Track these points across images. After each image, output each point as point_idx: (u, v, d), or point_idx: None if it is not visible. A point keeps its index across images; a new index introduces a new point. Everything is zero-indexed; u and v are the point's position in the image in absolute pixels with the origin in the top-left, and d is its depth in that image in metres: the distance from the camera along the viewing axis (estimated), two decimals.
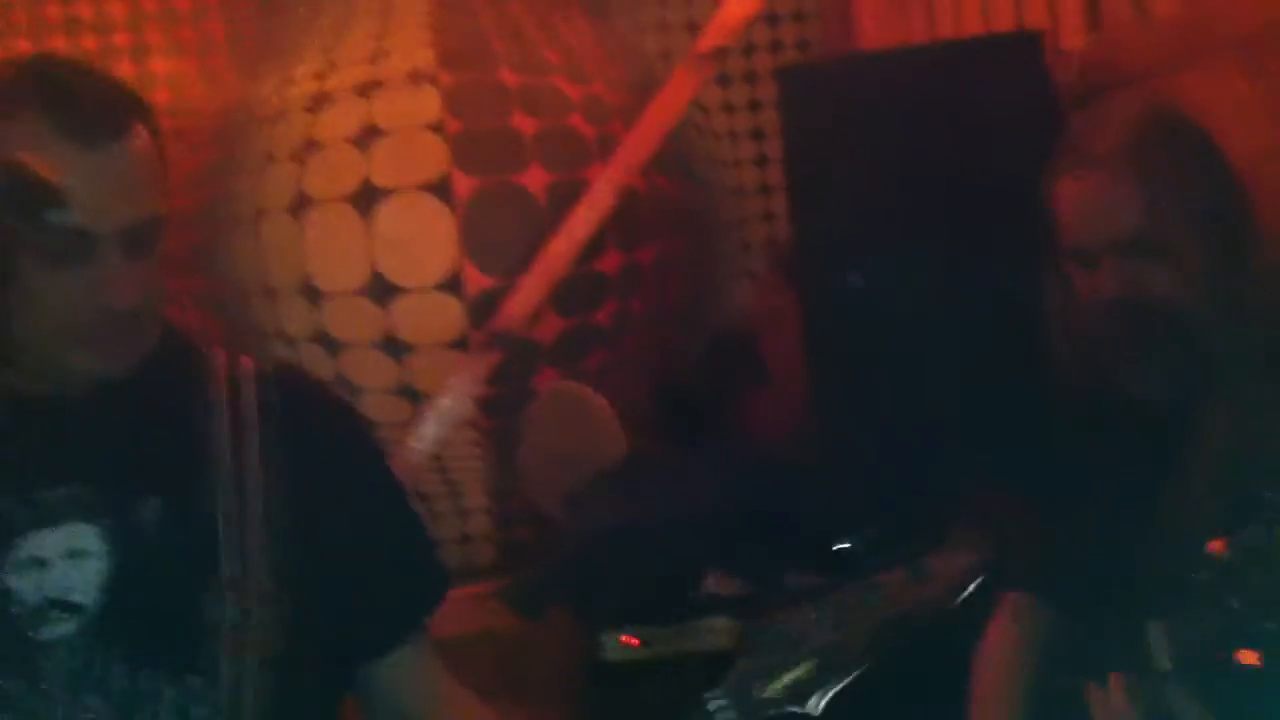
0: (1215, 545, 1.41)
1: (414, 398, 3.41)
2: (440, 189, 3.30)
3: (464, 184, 3.31)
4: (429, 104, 3.34)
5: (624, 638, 2.67)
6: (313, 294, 3.36)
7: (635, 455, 2.96)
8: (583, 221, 3.27)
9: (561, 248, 3.27)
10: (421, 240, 3.34)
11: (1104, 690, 1.49)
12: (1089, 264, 1.68)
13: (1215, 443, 1.63)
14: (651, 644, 2.68)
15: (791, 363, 2.91)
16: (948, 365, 2.64)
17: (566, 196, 3.34)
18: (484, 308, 3.34)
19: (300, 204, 3.34)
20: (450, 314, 3.35)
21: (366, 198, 3.29)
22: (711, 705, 1.30)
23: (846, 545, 1.44)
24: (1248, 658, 1.34)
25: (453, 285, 3.34)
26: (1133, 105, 1.81)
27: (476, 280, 3.34)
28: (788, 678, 1.28)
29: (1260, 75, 2.45)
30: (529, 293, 3.27)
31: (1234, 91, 2.51)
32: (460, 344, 3.36)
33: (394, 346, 3.37)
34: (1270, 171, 2.36)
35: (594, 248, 3.35)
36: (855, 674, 1.29)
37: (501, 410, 3.41)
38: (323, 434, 1.48)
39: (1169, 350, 1.65)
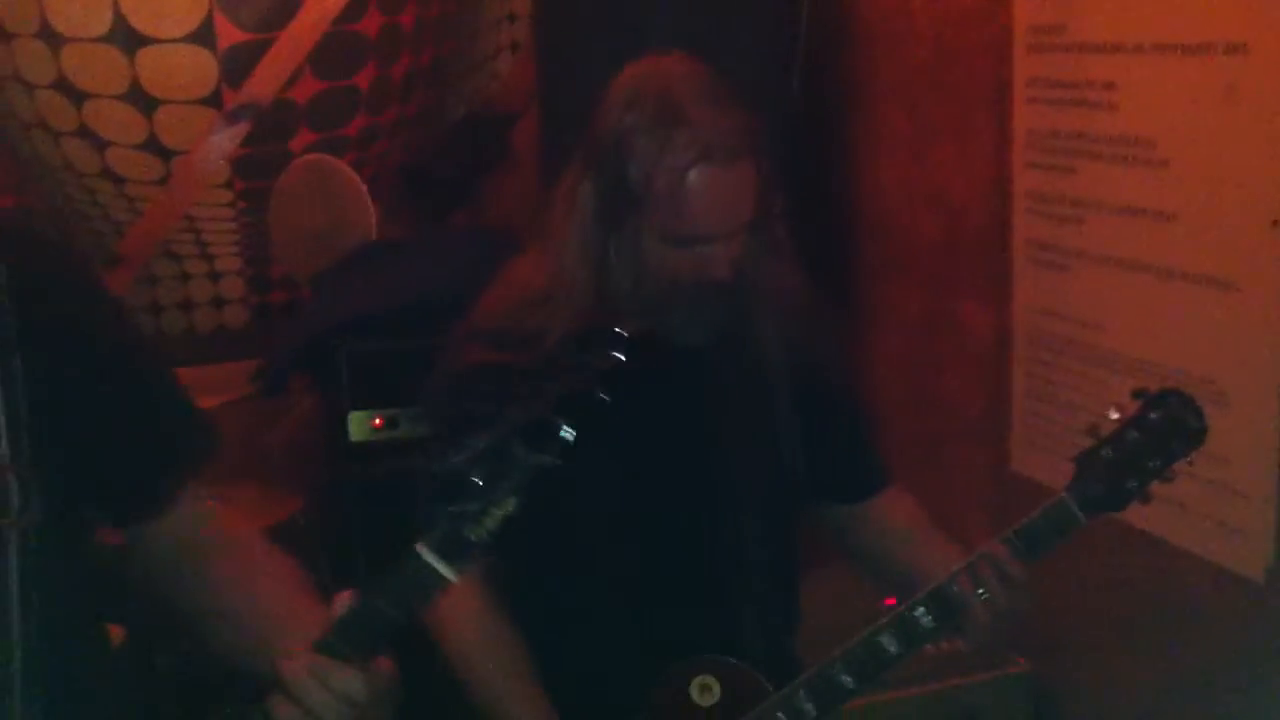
0: None
1: (163, 154, 3.31)
2: None
3: None
4: None
5: (375, 420, 2.71)
6: (52, 38, 3.18)
7: (383, 236, 2.94)
8: None
9: (315, 11, 3.15)
10: None
11: None
12: (699, 244, 1.64)
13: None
14: (397, 425, 2.74)
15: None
16: None
17: None
18: (237, 63, 3.23)
19: None
20: (202, 68, 3.23)
21: None
22: (426, 557, 1.23)
23: None
24: None
25: (204, 38, 3.20)
26: None
27: (229, 34, 3.21)
28: (494, 516, 1.22)
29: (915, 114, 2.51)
30: (281, 58, 3.16)
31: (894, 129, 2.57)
32: (212, 100, 3.25)
33: (142, 99, 3.24)
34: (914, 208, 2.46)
35: (353, 8, 3.23)
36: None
37: (256, 171, 3.34)
38: (57, 288, 1.34)
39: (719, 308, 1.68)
